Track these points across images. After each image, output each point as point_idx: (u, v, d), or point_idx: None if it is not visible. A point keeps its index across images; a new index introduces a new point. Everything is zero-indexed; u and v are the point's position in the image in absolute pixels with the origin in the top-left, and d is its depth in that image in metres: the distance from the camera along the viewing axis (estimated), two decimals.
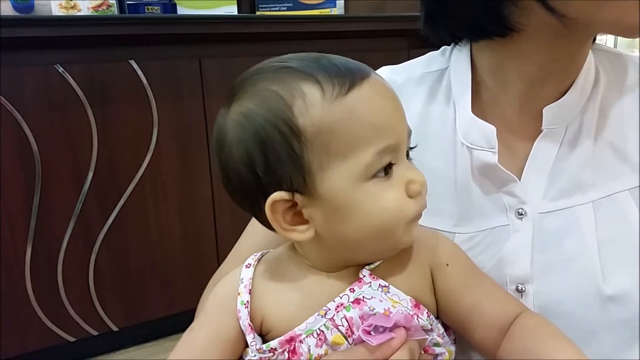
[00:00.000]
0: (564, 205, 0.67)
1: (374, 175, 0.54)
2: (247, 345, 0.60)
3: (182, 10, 2.39)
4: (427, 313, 0.59)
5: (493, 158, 0.68)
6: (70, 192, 2.08)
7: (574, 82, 0.69)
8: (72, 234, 2.09)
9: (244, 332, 0.59)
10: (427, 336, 0.59)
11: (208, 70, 2.24)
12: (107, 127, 2.09)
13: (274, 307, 0.59)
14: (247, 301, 0.59)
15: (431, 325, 0.60)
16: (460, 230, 0.71)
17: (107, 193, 2.14)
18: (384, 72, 0.81)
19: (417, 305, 0.59)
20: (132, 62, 2.10)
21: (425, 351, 0.60)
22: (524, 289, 0.67)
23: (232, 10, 2.50)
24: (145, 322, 2.25)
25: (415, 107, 0.76)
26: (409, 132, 0.59)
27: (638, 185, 0.67)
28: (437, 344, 0.61)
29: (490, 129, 0.69)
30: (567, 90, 0.69)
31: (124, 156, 2.15)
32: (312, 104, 0.53)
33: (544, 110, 0.68)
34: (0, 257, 2.00)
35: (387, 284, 0.58)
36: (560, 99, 0.68)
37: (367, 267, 0.59)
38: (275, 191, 0.55)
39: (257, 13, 2.60)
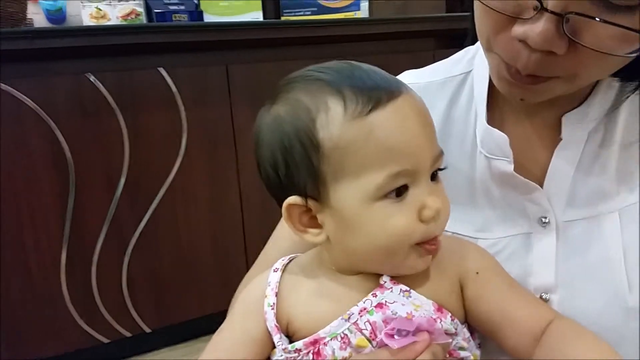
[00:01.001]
0: (589, 214, 0.66)
1: (386, 196, 0.55)
2: (274, 347, 0.61)
3: (208, 18, 2.43)
4: (450, 317, 0.59)
5: (509, 167, 0.67)
6: (103, 196, 2.12)
7: (594, 88, 0.67)
8: (105, 238, 2.14)
9: (271, 332, 0.61)
10: (451, 340, 0.59)
11: (235, 76, 2.27)
12: (137, 133, 2.13)
13: (299, 310, 0.61)
14: (274, 303, 0.61)
15: (456, 329, 0.60)
16: (482, 236, 0.70)
17: (139, 197, 2.18)
18: (407, 76, 0.81)
19: (439, 309, 0.59)
20: (161, 70, 2.14)
21: (451, 355, 0.60)
22: (547, 298, 0.66)
23: (257, 16, 2.53)
24: (177, 323, 2.28)
25: (438, 110, 0.75)
26: (438, 154, 0.58)
27: None
28: (462, 348, 0.61)
29: (504, 139, 0.67)
30: (588, 96, 0.67)
31: (155, 161, 2.19)
32: (333, 119, 0.54)
33: (562, 119, 0.67)
34: (37, 261, 2.05)
35: (408, 289, 0.59)
36: (579, 107, 0.67)
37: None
38: (292, 195, 0.58)
39: (282, 18, 2.63)
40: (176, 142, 2.21)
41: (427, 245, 0.57)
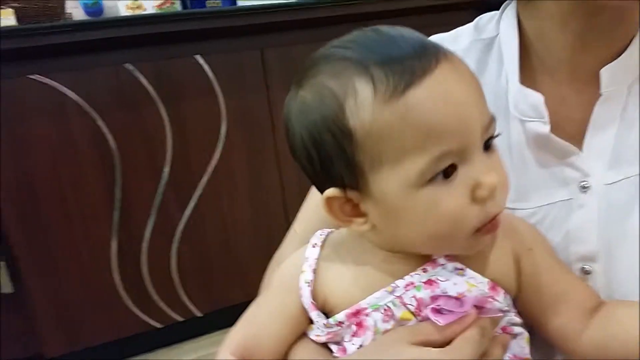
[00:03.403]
0: (631, 174, 0.61)
1: (431, 180, 0.50)
2: (310, 323, 0.60)
3: (242, 2, 2.42)
4: (504, 293, 0.57)
5: (545, 128, 0.63)
6: (149, 186, 2.15)
7: (632, 39, 0.63)
8: (153, 226, 2.18)
9: (307, 309, 0.59)
10: (500, 314, 0.57)
11: (270, 59, 2.25)
12: (178, 121, 2.15)
13: (337, 286, 0.58)
14: (311, 280, 0.58)
15: (508, 306, 0.58)
16: (520, 206, 0.66)
17: (183, 185, 2.21)
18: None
19: (494, 287, 0.56)
20: (198, 57, 2.14)
21: (504, 330, 0.58)
22: (590, 269, 0.63)
23: None
24: (226, 307, 2.30)
25: None
26: (489, 122, 0.53)
27: None
28: (515, 324, 0.59)
29: (538, 98, 0.64)
30: (625, 49, 0.63)
31: (197, 149, 2.20)
32: (363, 104, 0.49)
33: (601, 72, 0.62)
34: (88, 252, 2.10)
35: (462, 267, 0.56)
36: (618, 59, 0.62)
37: None
38: (329, 186, 0.55)
39: None
40: (216, 129, 2.22)
41: (486, 228, 0.53)
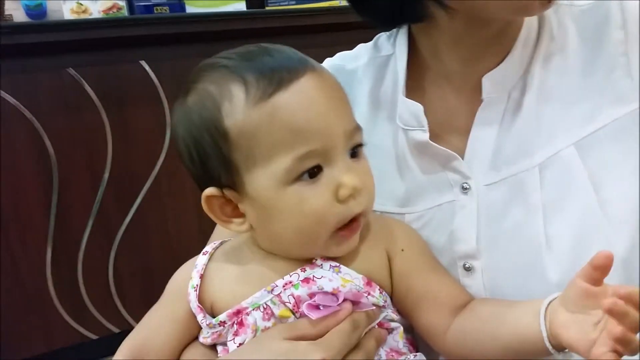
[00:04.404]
0: (509, 174, 0.65)
1: (298, 179, 0.55)
2: (201, 327, 0.63)
3: (191, 9, 2.41)
4: (379, 290, 0.61)
5: (424, 136, 0.68)
6: (88, 192, 2.11)
7: (511, 49, 0.66)
8: (90, 234, 2.13)
9: (195, 313, 0.62)
10: (374, 308, 0.61)
11: None
12: (120, 127, 2.12)
13: (222, 289, 0.62)
14: (197, 285, 0.63)
15: (385, 301, 0.62)
16: (407, 210, 0.71)
17: (124, 192, 2.17)
18: (335, 59, 0.82)
19: (369, 283, 0.60)
20: (143, 63, 2.12)
21: (381, 325, 0.62)
22: (471, 266, 0.66)
23: (241, 7, 2.50)
24: None
25: (364, 92, 0.76)
26: (353, 130, 0.58)
27: (586, 134, 0.63)
28: (392, 319, 0.63)
29: (418, 108, 0.68)
30: (506, 56, 0.66)
31: (139, 155, 2.17)
32: (237, 106, 0.55)
33: (482, 80, 0.66)
34: (23, 259, 2.04)
35: (338, 264, 0.60)
36: (498, 67, 0.66)
37: None
38: (208, 186, 0.59)
39: (267, 8, 2.60)
40: (160, 136, 2.19)
41: (346, 229, 0.58)
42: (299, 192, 0.55)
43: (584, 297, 0.47)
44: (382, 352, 0.61)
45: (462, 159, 0.68)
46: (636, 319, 0.43)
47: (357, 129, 0.59)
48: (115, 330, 2.24)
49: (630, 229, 0.60)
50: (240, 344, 0.59)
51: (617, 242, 0.59)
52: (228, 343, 0.61)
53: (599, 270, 0.47)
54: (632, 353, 0.44)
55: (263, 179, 0.56)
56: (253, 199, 0.57)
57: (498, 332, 0.57)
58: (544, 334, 0.51)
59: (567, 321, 0.49)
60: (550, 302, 0.52)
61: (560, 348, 0.51)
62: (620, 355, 0.44)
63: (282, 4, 2.62)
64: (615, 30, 0.63)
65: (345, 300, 0.58)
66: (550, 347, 0.51)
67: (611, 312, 0.43)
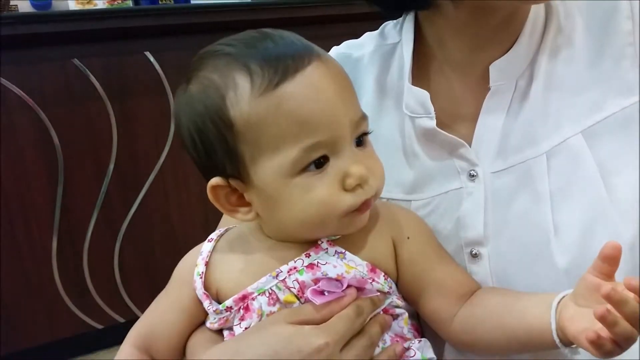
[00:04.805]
0: (516, 161, 0.65)
1: (304, 170, 0.55)
2: (207, 313, 0.63)
3: (195, 1, 2.40)
4: (384, 276, 0.61)
5: (431, 123, 0.68)
6: (93, 183, 2.12)
7: (519, 37, 0.66)
8: (95, 224, 2.14)
9: (200, 300, 0.63)
10: (379, 294, 0.61)
11: None
12: (125, 118, 2.12)
13: (228, 276, 0.62)
14: (203, 272, 0.63)
15: (390, 288, 0.62)
16: (414, 197, 0.71)
17: (128, 183, 2.18)
18: (341, 47, 0.82)
19: (373, 270, 0.61)
20: (148, 54, 2.12)
21: (386, 312, 0.62)
22: (478, 253, 0.66)
23: None
24: None
25: (370, 80, 0.76)
26: (359, 119, 0.58)
27: (594, 123, 0.63)
28: (397, 306, 0.63)
29: (424, 95, 0.68)
30: (514, 44, 0.66)
31: (144, 146, 2.18)
32: (242, 96, 0.54)
33: (490, 68, 0.66)
34: (28, 250, 2.05)
35: (343, 251, 0.60)
36: (505, 55, 0.66)
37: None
38: (214, 176, 0.58)
39: None
40: (165, 127, 2.19)
41: (356, 211, 0.57)
42: (306, 182, 0.55)
43: (594, 292, 0.48)
44: (387, 338, 0.61)
45: (469, 146, 0.68)
46: (635, 307, 0.43)
47: (363, 118, 0.58)
48: (120, 319, 2.25)
49: (638, 216, 0.60)
50: (246, 328, 0.60)
51: (624, 229, 0.60)
52: (234, 327, 0.61)
53: (608, 261, 0.47)
54: (623, 340, 0.44)
55: (269, 170, 0.55)
56: (259, 189, 0.57)
57: (505, 322, 0.57)
58: (553, 326, 0.51)
59: (574, 315, 0.49)
60: (562, 297, 0.52)
61: (567, 343, 0.51)
62: (618, 345, 0.44)
63: None
64: (624, 21, 0.63)
65: (349, 286, 0.58)
66: (557, 341, 0.51)
67: (609, 299, 0.43)
